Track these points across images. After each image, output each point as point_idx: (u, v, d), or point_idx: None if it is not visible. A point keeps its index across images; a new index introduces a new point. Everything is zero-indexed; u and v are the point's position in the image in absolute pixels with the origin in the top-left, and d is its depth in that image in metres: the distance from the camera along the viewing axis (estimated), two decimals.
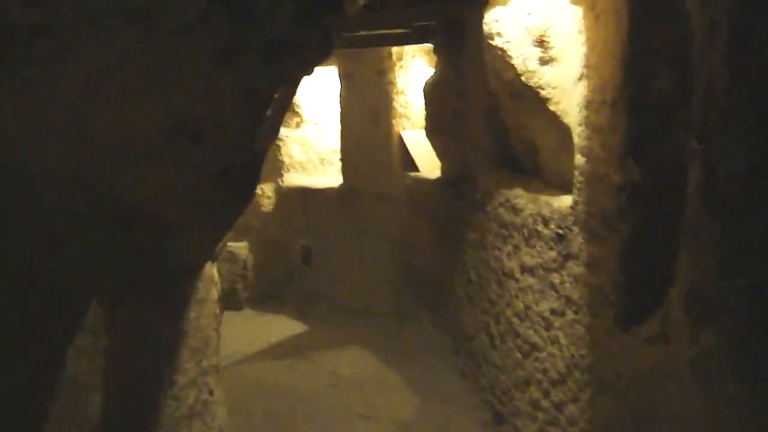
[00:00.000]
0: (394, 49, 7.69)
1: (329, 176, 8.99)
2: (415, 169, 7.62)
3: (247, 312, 8.72)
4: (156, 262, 2.16)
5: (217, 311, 3.09)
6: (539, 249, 3.87)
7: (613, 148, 2.94)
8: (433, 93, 6.71)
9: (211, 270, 2.98)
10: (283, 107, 2.67)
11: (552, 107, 3.63)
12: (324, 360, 6.98)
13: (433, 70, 6.91)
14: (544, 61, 3.67)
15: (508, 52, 3.79)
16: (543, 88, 3.67)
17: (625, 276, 2.94)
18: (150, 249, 2.14)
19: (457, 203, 6.14)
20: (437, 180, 6.95)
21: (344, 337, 7.52)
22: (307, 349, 7.32)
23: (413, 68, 7.89)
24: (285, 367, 6.91)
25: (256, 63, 1.89)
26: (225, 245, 3.90)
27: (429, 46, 7.33)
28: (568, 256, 3.52)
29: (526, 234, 4.06)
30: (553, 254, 3.69)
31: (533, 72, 3.71)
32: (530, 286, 4.02)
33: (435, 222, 6.93)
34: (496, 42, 3.89)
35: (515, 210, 4.21)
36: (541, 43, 3.65)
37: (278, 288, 8.95)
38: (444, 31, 6.44)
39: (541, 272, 3.86)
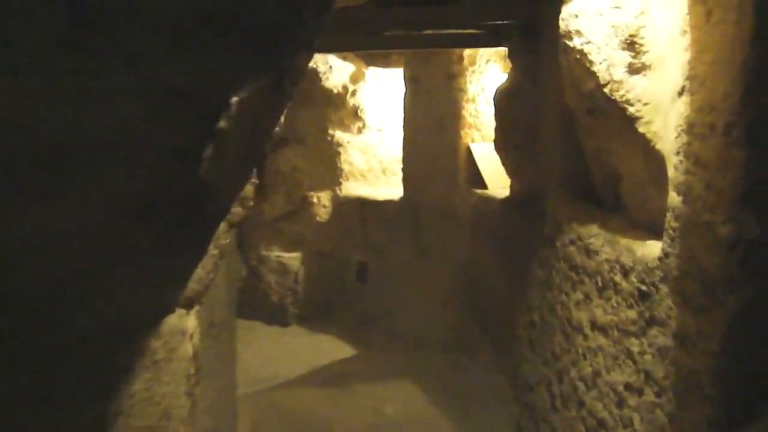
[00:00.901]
0: (467, 53, 6.96)
1: (392, 187, 8.31)
2: (483, 186, 6.87)
3: (295, 329, 8.12)
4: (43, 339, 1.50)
5: (192, 370, 2.41)
6: (615, 304, 3.08)
7: (723, 189, 2.14)
8: (504, 102, 5.94)
9: (183, 321, 2.34)
10: (262, 126, 1.97)
11: (641, 129, 2.84)
12: (368, 393, 6.28)
13: (507, 78, 6.14)
14: (634, 69, 2.88)
15: (589, 56, 3.00)
16: (631, 104, 2.87)
17: (734, 365, 2.15)
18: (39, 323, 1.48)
19: (525, 230, 5.37)
20: (505, 200, 6.18)
21: (394, 368, 6.81)
22: (351, 378, 6.64)
23: (487, 74, 7.13)
24: (324, 398, 6.23)
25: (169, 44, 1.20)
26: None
27: (505, 50, 6.58)
28: (651, 321, 2.72)
29: (599, 283, 3.27)
30: (632, 314, 2.90)
31: (619, 83, 2.91)
32: (601, 348, 3.23)
33: (501, 248, 6.16)
34: (574, 43, 3.09)
35: (588, 252, 3.42)
36: (631, 45, 2.85)
37: (330, 305, 8.30)
38: (520, 32, 5.67)
39: (616, 334, 3.06)
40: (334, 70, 8.07)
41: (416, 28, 5.99)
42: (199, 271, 2.38)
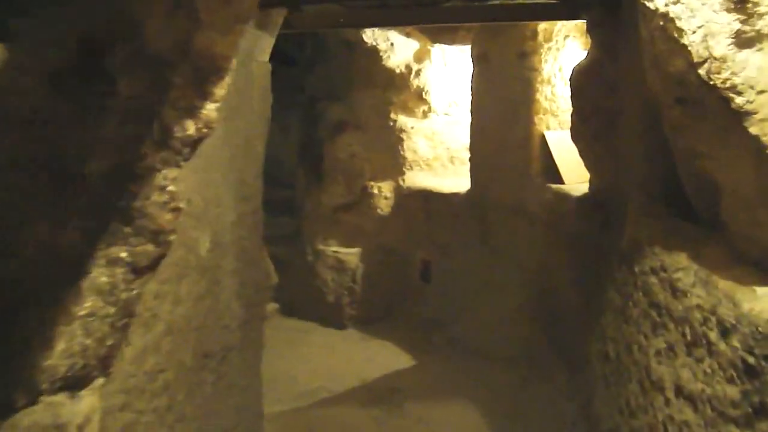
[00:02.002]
0: (542, 27, 6.06)
1: (460, 177, 7.47)
2: (559, 180, 5.98)
3: (351, 333, 7.42)
4: None
5: None
6: (709, 371, 2.21)
7: None
8: (582, 84, 5.04)
9: (60, 411, 1.63)
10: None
11: (753, 128, 1.95)
12: (420, 415, 5.53)
13: (586, 56, 5.23)
14: (744, 41, 1.98)
15: (678, 23, 2.10)
16: (739, 92, 1.98)
17: None
18: None
19: (603, 238, 4.50)
20: (583, 199, 5.30)
21: (453, 384, 6.03)
22: (404, 395, 5.89)
23: (565, 52, 6.20)
24: (369, 420, 5.52)
25: None
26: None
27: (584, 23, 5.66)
28: (761, 410, 1.86)
29: (688, 336, 2.40)
30: (733, 392, 2.04)
31: (722, 60, 2.02)
32: (688, 425, 2.36)
33: (577, 254, 5.29)
34: (657, 4, 2.20)
35: (674, 290, 2.55)
36: (740, 4, 1.96)
37: (389, 307, 7.57)
38: (601, 1, 4.76)
39: (709, 412, 2.20)
40: (396, 47, 7.28)
41: None
42: (85, 341, 1.67)
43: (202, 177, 3.22)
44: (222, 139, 3.49)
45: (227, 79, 2.09)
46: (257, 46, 4.39)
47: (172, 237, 2.04)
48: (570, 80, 5.21)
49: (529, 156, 6.20)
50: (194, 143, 1.98)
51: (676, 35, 2.06)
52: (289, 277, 7.97)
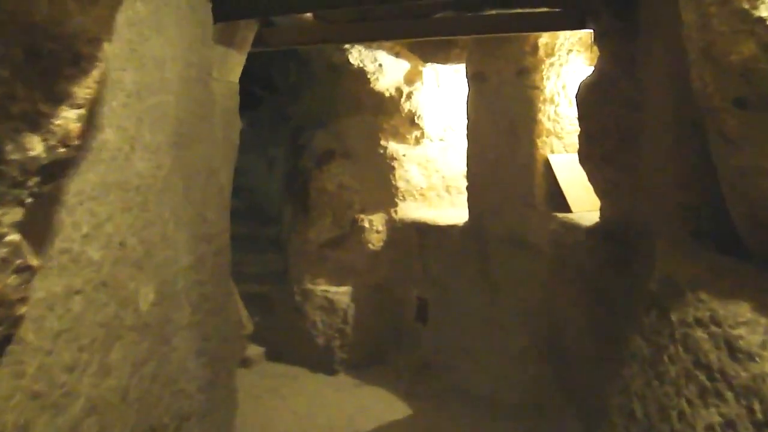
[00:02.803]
0: (542, 41, 5.54)
1: (457, 208, 6.93)
2: (566, 208, 5.44)
3: (341, 379, 6.82)
4: None
5: None
6: None
7: None
8: (590, 101, 4.52)
9: None
10: None
11: None
12: None
13: (593, 70, 4.71)
14: None
15: None
16: None
17: None
18: None
19: (621, 274, 3.93)
20: (594, 229, 4.76)
21: None
22: None
23: (568, 68, 5.67)
24: None
25: None
26: None
27: (590, 33, 5.15)
28: None
29: (757, 412, 1.82)
30: None
31: None
32: None
33: (589, 292, 4.72)
34: None
35: (733, 349, 1.97)
36: None
37: (383, 350, 6.98)
38: (610, 7, 4.24)
39: None
40: (385, 68, 6.75)
41: (474, 8, 4.62)
42: None
43: (141, 215, 2.65)
44: (170, 168, 2.93)
45: (95, 75, 1.53)
46: (221, 63, 3.85)
47: (22, 310, 1.46)
48: (576, 97, 4.69)
49: (531, 182, 5.66)
50: (47, 169, 1.42)
51: (746, 6, 1.49)
52: (276, 318, 7.40)
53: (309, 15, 4.91)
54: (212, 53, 3.60)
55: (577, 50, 5.68)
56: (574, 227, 5.12)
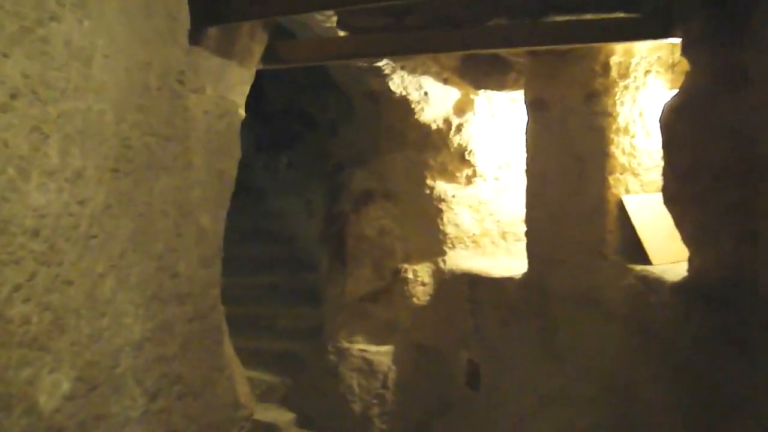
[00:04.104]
0: (615, 60, 4.67)
1: (514, 257, 6.02)
2: (645, 259, 4.50)
3: None
4: None
5: None
6: None
7: None
8: (678, 127, 3.66)
9: None
10: None
11: None
12: None
13: (680, 88, 3.81)
14: None
15: None
16: None
17: None
18: None
19: (726, 349, 2.99)
20: (683, 285, 3.84)
21: None
22: None
23: (646, 93, 4.76)
24: None
25: None
26: None
27: (674, 53, 4.28)
28: None
29: None
30: None
31: None
32: None
33: (678, 369, 3.78)
34: None
35: None
36: None
37: (429, 420, 6.06)
38: (705, 8, 3.36)
39: None
40: (431, 97, 5.94)
41: (535, 14, 3.78)
42: None
43: (43, 270, 1.84)
44: (106, 204, 2.12)
45: None
46: (217, 77, 3.08)
47: None
48: (661, 123, 3.80)
49: (602, 228, 4.73)
50: None
51: None
52: (308, 380, 6.56)
53: (333, 25, 4.13)
54: (196, 61, 2.81)
55: (656, 71, 4.78)
56: (656, 282, 4.22)
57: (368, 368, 6.21)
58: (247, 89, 3.72)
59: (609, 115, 4.73)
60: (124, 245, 2.27)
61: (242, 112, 3.64)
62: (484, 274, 5.80)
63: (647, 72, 4.75)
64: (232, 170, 3.25)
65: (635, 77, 4.72)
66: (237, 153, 3.32)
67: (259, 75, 8.66)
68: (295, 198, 8.07)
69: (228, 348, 3.33)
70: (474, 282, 5.87)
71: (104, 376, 2.17)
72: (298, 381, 6.65)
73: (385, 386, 6.15)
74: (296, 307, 7.32)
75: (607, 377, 4.63)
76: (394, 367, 6.17)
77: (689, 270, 3.88)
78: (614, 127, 4.72)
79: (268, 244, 7.99)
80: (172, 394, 2.58)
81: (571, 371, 4.92)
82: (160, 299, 2.52)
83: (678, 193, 3.80)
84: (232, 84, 3.42)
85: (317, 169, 7.57)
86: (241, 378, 3.50)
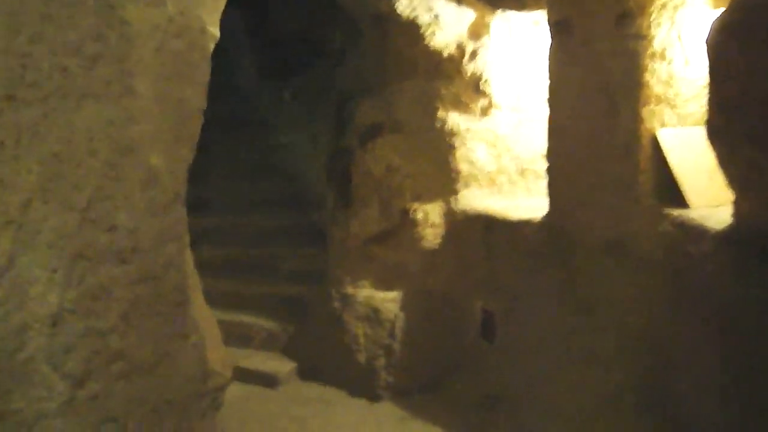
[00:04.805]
0: None
1: (534, 197, 5.48)
2: (682, 202, 3.97)
3: (385, 408, 5.55)
4: None
5: None
6: None
7: None
8: (728, 50, 3.07)
9: None
10: None
11: None
12: None
13: (731, 4, 3.23)
14: None
15: None
16: None
17: None
18: None
19: None
20: (727, 233, 3.33)
21: None
22: None
23: (686, 12, 4.13)
24: None
25: None
26: None
27: None
28: None
29: None
30: None
31: None
32: None
33: (721, 326, 3.28)
34: None
35: None
36: None
37: (439, 373, 5.64)
38: None
39: None
40: (442, 20, 5.34)
41: None
42: None
43: None
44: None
45: None
46: None
47: None
48: (708, 45, 3.23)
49: (634, 167, 4.17)
50: None
51: None
52: (312, 327, 6.14)
53: None
54: None
55: None
56: (696, 229, 3.70)
57: (374, 316, 5.77)
58: (220, 4, 3.16)
59: (643, 38, 4.11)
60: (26, 194, 1.78)
61: (214, 32, 3.09)
62: (500, 216, 5.29)
63: None
64: (196, 99, 2.72)
65: None
66: (203, 78, 2.79)
67: (264, 0, 8.13)
68: (300, 131, 7.55)
69: (197, 309, 2.85)
70: (489, 224, 5.37)
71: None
72: (301, 328, 6.24)
73: (392, 336, 5.71)
74: (301, 248, 6.88)
75: (637, 335, 4.14)
76: (402, 316, 5.72)
77: (735, 216, 3.35)
78: (649, 51, 4.11)
79: (272, 181, 7.52)
80: (109, 375, 2.12)
81: (596, 326, 4.43)
82: (87, 259, 2.04)
83: (724, 127, 3.25)
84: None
85: (324, 100, 7.03)
86: (214, 341, 3.04)
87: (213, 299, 6.65)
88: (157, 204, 2.42)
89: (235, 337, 6.22)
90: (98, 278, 2.08)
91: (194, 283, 2.97)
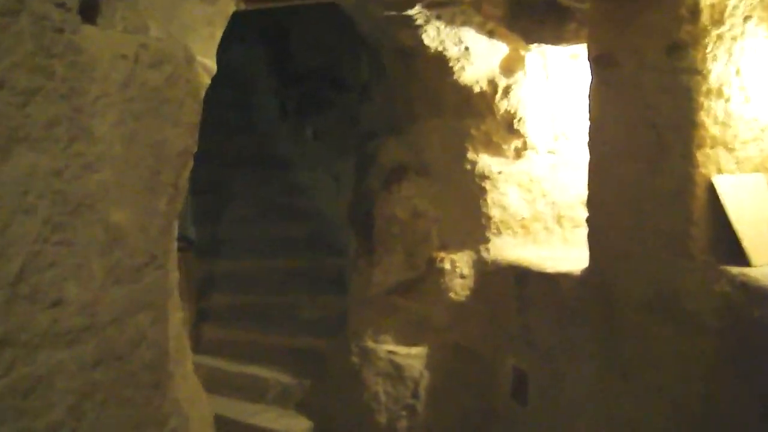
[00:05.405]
0: (706, 3, 3.61)
1: (573, 247, 5.04)
2: (741, 259, 3.49)
3: None
4: None
5: None
6: None
7: None
8: None
9: None
10: None
11: None
12: None
13: None
14: None
15: None
16: None
17: None
18: None
19: None
20: None
21: None
22: None
23: (745, 44, 3.70)
24: None
25: None
26: None
27: None
28: None
29: None
30: None
31: None
32: None
33: None
34: None
35: None
36: None
37: None
38: None
39: None
40: (473, 53, 4.95)
41: None
42: None
43: None
44: None
45: None
46: (156, 9, 2.17)
47: None
48: None
49: (686, 217, 3.70)
50: None
51: None
52: (329, 382, 5.71)
53: None
54: None
55: (759, 17, 3.71)
56: (759, 292, 3.19)
57: (396, 373, 5.34)
58: (216, 33, 2.80)
59: (697, 72, 3.66)
60: None
61: (209, 64, 2.72)
62: (535, 268, 4.85)
63: (747, 18, 3.68)
64: (179, 141, 2.33)
65: (732, 24, 3.65)
66: (189, 117, 2.40)
67: (285, 35, 7.83)
68: (322, 170, 7.20)
69: (180, 386, 2.43)
70: (523, 276, 4.93)
71: None
72: (318, 383, 5.82)
73: (415, 395, 5.27)
74: (321, 295, 6.51)
75: (688, 407, 3.65)
76: (426, 373, 5.28)
77: None
78: (704, 88, 3.66)
79: (291, 223, 7.15)
80: None
81: (641, 394, 3.94)
82: (18, 345, 1.63)
83: None
84: (188, 23, 2.50)
85: (348, 138, 6.68)
86: (203, 423, 2.62)
87: (224, 349, 6.41)
88: (123, 269, 2.02)
89: (247, 390, 5.86)
90: (34, 368, 1.67)
91: (180, 354, 2.57)
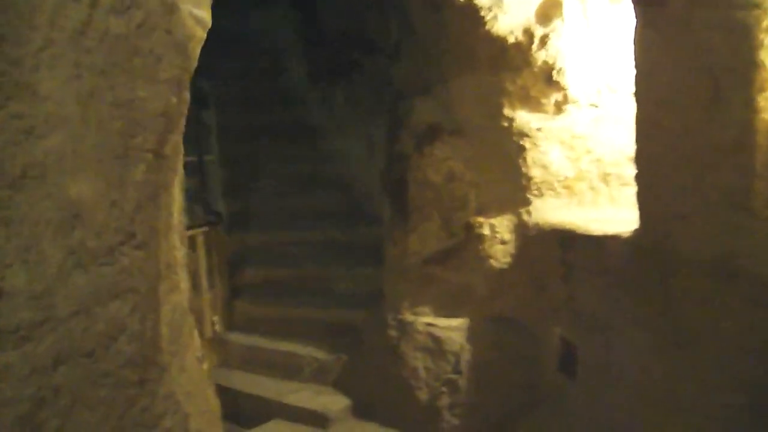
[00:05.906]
0: None
1: (621, 208, 4.67)
2: None
3: None
4: None
5: None
6: None
7: None
8: None
9: None
10: None
11: None
12: None
13: None
14: None
15: None
16: None
17: None
18: None
19: None
20: None
21: None
22: None
23: None
24: None
25: None
26: None
27: None
28: None
29: None
30: None
31: None
32: None
33: None
34: None
35: None
36: None
37: (512, 413, 4.88)
38: None
39: None
40: (505, 1, 4.57)
41: None
42: None
43: None
44: None
45: None
46: None
47: None
48: None
49: (747, 170, 3.32)
50: None
51: None
52: (366, 357, 5.45)
53: None
54: None
55: None
56: None
57: (436, 347, 5.06)
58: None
59: (756, 6, 3.26)
60: None
61: (202, 15, 2.41)
62: (580, 230, 4.49)
63: None
64: (157, 101, 2.03)
65: None
66: (171, 73, 2.10)
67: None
68: (354, 136, 6.90)
69: (178, 378, 2.17)
70: (568, 240, 4.59)
71: None
72: (355, 359, 5.57)
73: (457, 370, 4.99)
74: (356, 267, 6.24)
75: (752, 380, 3.29)
76: (468, 347, 4.99)
77: None
78: (765, 24, 3.26)
79: (323, 192, 6.87)
80: None
81: (701, 365, 3.59)
82: None
83: None
84: None
85: (380, 101, 6.35)
86: (209, 417, 2.35)
87: (258, 326, 6.19)
88: (87, 252, 1.74)
89: (281, 368, 5.67)
90: None
91: (178, 345, 2.29)
